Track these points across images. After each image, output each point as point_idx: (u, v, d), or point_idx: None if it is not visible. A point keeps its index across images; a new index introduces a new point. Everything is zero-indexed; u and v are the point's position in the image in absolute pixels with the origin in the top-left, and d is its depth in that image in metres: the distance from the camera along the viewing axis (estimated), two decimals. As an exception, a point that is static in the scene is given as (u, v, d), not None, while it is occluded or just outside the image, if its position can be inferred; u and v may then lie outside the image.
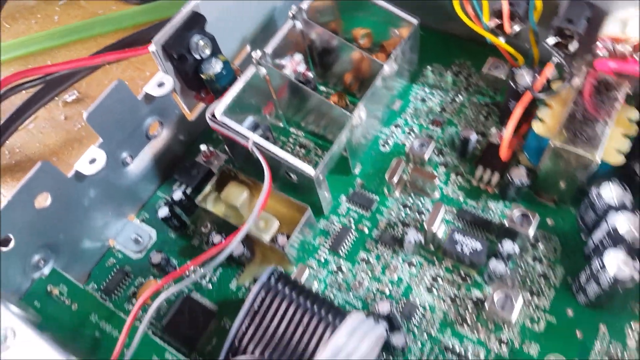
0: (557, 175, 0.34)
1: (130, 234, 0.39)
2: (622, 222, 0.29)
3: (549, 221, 0.35)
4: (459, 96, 0.42)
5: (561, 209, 0.36)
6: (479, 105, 0.41)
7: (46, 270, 0.35)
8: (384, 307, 0.30)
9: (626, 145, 0.32)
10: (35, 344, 0.25)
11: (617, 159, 0.31)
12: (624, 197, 0.31)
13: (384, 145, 0.41)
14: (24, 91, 0.48)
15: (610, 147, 0.32)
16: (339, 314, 0.28)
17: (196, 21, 0.36)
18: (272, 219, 0.36)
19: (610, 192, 0.31)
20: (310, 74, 0.40)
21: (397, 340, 0.30)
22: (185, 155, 0.43)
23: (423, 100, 0.42)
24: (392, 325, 0.30)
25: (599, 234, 0.31)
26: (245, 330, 0.28)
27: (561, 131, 0.32)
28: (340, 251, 0.36)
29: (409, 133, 0.41)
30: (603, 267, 0.28)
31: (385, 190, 0.38)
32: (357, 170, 0.40)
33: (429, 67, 0.44)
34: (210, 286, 0.36)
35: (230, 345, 0.28)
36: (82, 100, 0.51)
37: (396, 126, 0.42)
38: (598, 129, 0.32)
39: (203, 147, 0.41)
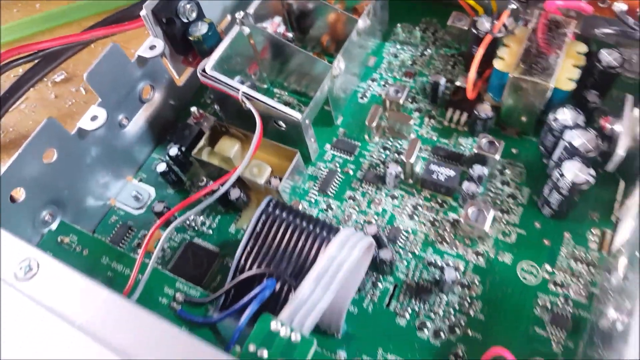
0: (518, 108, 0.38)
1: (130, 192, 0.42)
2: (576, 138, 0.33)
3: (514, 150, 0.39)
4: (428, 50, 0.46)
5: (524, 139, 0.40)
6: (446, 56, 0.45)
7: (54, 226, 0.37)
8: (371, 229, 0.33)
9: (576, 74, 0.36)
10: (62, 271, 0.28)
11: (569, 86, 0.35)
12: (577, 118, 0.35)
13: (362, 98, 0.44)
14: (12, 74, 0.50)
15: (562, 76, 0.36)
16: (332, 230, 0.31)
17: (182, -13, 0.39)
18: (265, 165, 0.39)
19: (565, 115, 0.35)
20: (290, 34, 0.43)
21: (385, 254, 0.33)
22: (176, 119, 0.45)
23: (395, 55, 0.46)
24: (380, 244, 0.34)
25: (557, 152, 0.35)
26: (250, 250, 0.31)
27: (518, 64, 0.36)
28: (328, 192, 0.39)
29: (384, 85, 0.44)
30: (562, 175, 0.32)
31: (366, 136, 0.42)
32: (339, 121, 0.43)
33: (399, 25, 0.47)
34: (210, 232, 0.39)
35: (237, 264, 0.31)
36: (71, 79, 0.53)
37: (372, 80, 0.45)
38: (551, 61, 0.36)
39: (193, 108, 0.43)
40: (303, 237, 0.31)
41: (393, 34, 0.47)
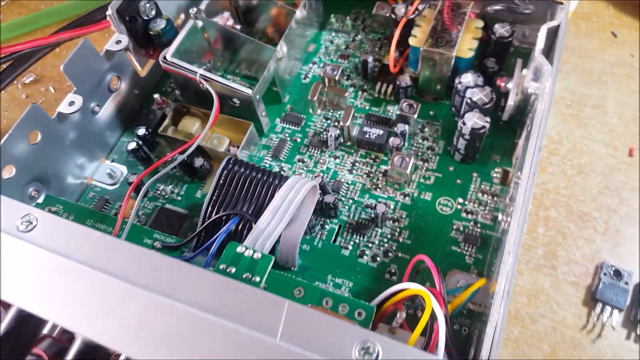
0: (431, 77, 0.46)
1: (104, 171, 0.47)
2: (474, 94, 0.42)
3: (431, 112, 0.47)
4: (358, 36, 0.53)
5: (439, 103, 0.48)
6: (374, 40, 0.53)
7: (40, 200, 0.42)
8: (317, 179, 0.40)
9: (474, 45, 0.44)
10: (58, 221, 0.33)
11: (469, 54, 0.44)
12: (476, 80, 0.43)
13: (304, 79, 0.51)
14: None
15: (463, 47, 0.44)
16: (283, 178, 0.38)
17: (141, -11, 0.45)
18: (224, 137, 0.45)
19: (468, 78, 0.43)
20: (238, 26, 0.50)
21: (328, 198, 0.40)
22: (141, 107, 0.51)
23: (331, 42, 0.53)
24: (324, 191, 0.41)
25: (463, 108, 0.43)
26: (216, 199, 0.37)
27: (427, 40, 0.44)
28: (280, 157, 0.46)
29: (323, 67, 0.52)
30: (464, 124, 0.40)
31: (310, 110, 0.49)
32: (286, 99, 0.50)
33: (332, 16, 0.55)
34: (179, 198, 0.45)
35: (205, 212, 0.37)
36: (40, 80, 0.58)
37: (313, 63, 0.52)
38: (453, 35, 0.44)
39: (156, 95, 0.49)
40: (259, 186, 0.38)
41: (328, 24, 0.55)
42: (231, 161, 0.39)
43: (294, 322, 0.27)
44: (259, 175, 0.38)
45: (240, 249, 0.33)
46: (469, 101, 0.41)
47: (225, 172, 0.38)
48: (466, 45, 0.44)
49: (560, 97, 0.50)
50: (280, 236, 0.37)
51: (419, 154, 0.45)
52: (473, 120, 0.40)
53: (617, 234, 0.42)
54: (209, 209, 0.37)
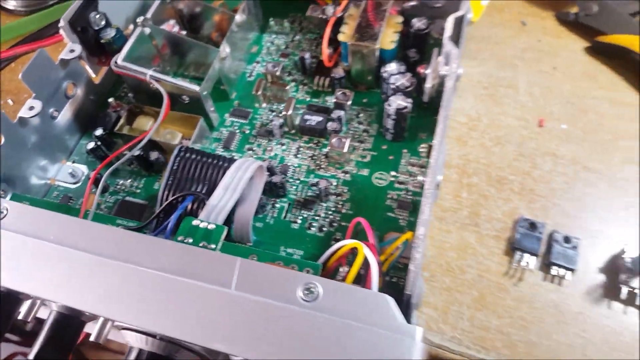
0: (361, 69, 0.51)
1: (66, 171, 0.50)
2: (397, 79, 0.47)
3: (364, 100, 0.53)
4: (296, 36, 0.59)
5: (371, 92, 0.53)
6: (310, 39, 0.58)
7: (7, 198, 0.45)
8: (265, 163, 0.45)
9: (396, 37, 0.50)
10: (27, 209, 0.36)
11: (391, 46, 0.49)
12: (399, 68, 0.49)
13: (249, 77, 0.56)
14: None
15: (386, 40, 0.49)
16: (232, 160, 0.42)
17: (92, 2, 0.49)
18: (176, 132, 0.49)
19: (392, 67, 0.49)
20: (183, 32, 0.54)
21: (276, 178, 0.44)
22: (97, 111, 0.54)
23: (272, 42, 0.58)
24: (273, 173, 0.45)
25: (389, 93, 0.49)
26: (171, 184, 0.41)
27: (354, 35, 0.49)
28: (231, 147, 0.51)
29: (265, 65, 0.56)
30: (390, 105, 0.46)
31: (256, 104, 0.53)
32: (233, 96, 0.54)
33: (271, 19, 0.60)
34: (138, 191, 0.49)
35: (162, 195, 0.41)
36: (-5, 93, 0.60)
37: (256, 62, 0.57)
38: (376, 30, 0.50)
39: (111, 99, 0.53)
40: (210, 168, 0.42)
41: (268, 27, 0.60)
42: (182, 149, 0.43)
43: (246, 274, 0.31)
44: (209, 160, 0.42)
45: (195, 222, 0.37)
46: (392, 86, 0.47)
47: (177, 159, 0.42)
48: (388, 38, 0.50)
49: (478, 80, 0.56)
50: (234, 215, 0.41)
51: (356, 136, 0.50)
52: (397, 102, 0.46)
53: (531, 192, 0.48)
54: (165, 192, 0.41)
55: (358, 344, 0.28)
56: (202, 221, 0.37)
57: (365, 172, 0.48)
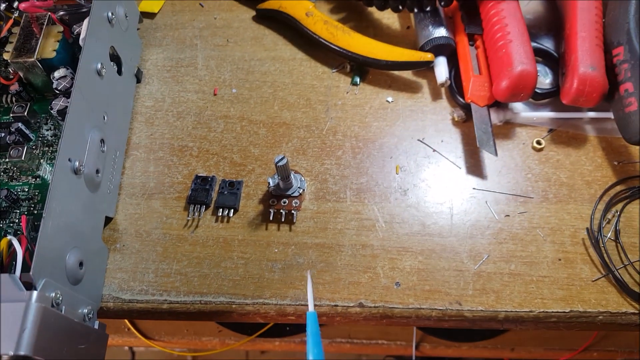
0: (37, 79, 0.56)
1: None
2: (59, 83, 0.53)
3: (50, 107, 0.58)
4: None
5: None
6: (-2, 60, 0.62)
7: None
8: None
9: (57, 46, 0.55)
10: None
11: (53, 54, 0.55)
12: (67, 72, 0.55)
13: None
14: None
15: (47, 50, 0.55)
16: None
17: None
18: None
19: (60, 72, 0.54)
20: None
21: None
22: None
23: None
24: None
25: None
26: None
27: (12, 53, 0.54)
28: None
29: None
30: (52, 109, 0.52)
31: None
32: None
33: None
34: None
35: None
36: None
37: None
38: (33, 43, 0.55)
39: None
40: None
41: None
42: None
43: None
44: None
45: None
46: (57, 90, 0.53)
47: None
48: (50, 47, 0.55)
49: (162, 66, 0.64)
50: None
51: (45, 141, 0.55)
52: (59, 104, 0.52)
53: (206, 153, 0.57)
54: None
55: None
56: None
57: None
